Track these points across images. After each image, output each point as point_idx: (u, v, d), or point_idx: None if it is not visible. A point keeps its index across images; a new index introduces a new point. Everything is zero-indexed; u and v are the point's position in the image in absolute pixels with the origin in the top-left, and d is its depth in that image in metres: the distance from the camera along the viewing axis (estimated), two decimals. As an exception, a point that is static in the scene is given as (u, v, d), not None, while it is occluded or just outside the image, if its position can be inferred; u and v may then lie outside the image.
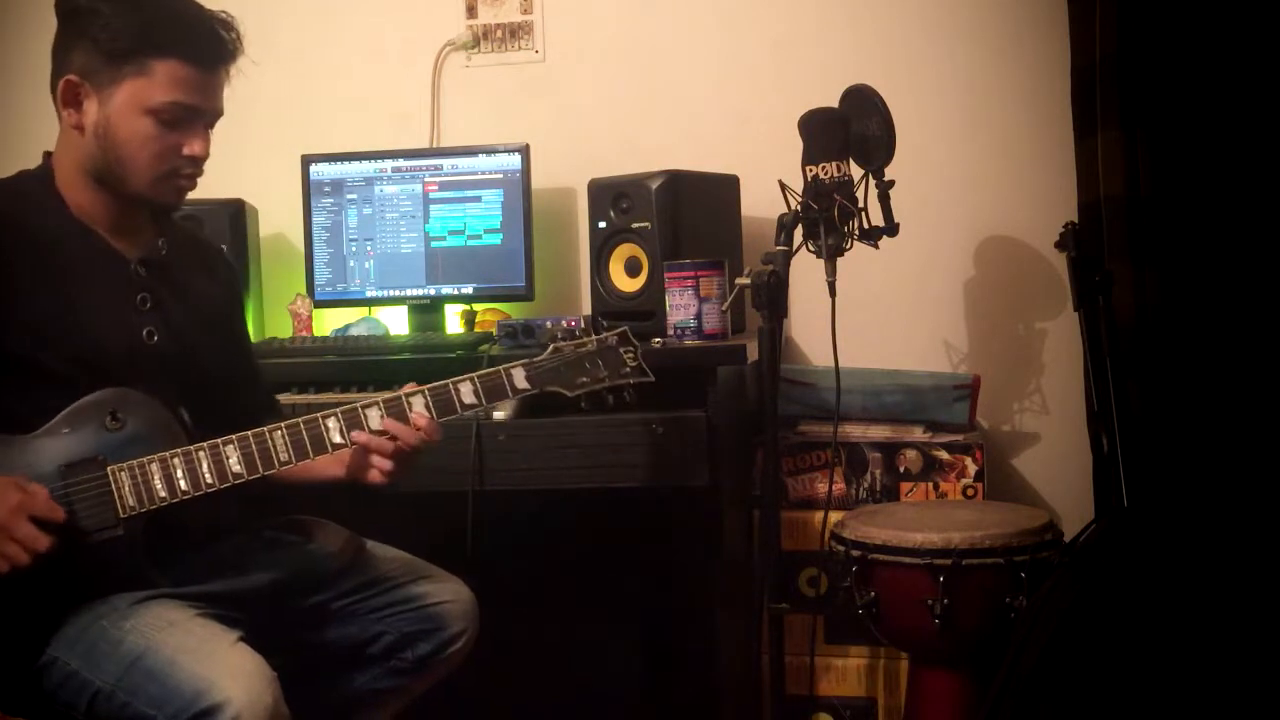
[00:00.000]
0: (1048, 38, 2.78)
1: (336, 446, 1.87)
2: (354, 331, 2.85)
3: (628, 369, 1.99)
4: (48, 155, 1.92)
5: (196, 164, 1.89)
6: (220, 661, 1.68)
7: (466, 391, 1.92)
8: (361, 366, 2.51)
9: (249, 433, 1.84)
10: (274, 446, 1.84)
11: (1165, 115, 2.44)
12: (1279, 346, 2.35)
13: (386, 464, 1.92)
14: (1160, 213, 2.46)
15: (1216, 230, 2.41)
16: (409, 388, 1.93)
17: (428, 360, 2.49)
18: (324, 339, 2.80)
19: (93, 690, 1.71)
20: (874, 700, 2.58)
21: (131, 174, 1.85)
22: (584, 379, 1.96)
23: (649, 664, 2.78)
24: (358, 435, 1.88)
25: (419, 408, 1.90)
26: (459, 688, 2.12)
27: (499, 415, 2.35)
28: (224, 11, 1.90)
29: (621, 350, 1.99)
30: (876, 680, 2.59)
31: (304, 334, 2.91)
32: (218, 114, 1.91)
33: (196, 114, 1.86)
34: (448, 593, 2.05)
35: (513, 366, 1.94)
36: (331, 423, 1.87)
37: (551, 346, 1.97)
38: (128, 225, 1.92)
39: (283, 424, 1.85)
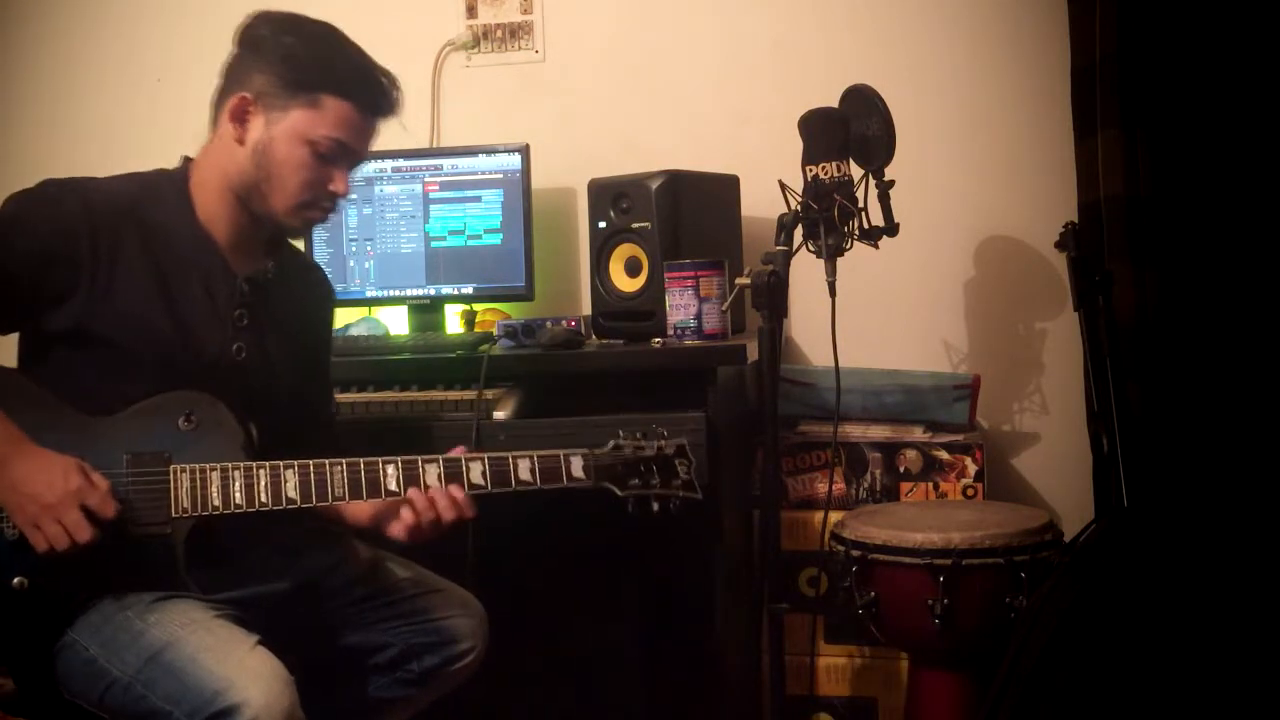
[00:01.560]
0: (1048, 38, 2.78)
1: (390, 493, 1.90)
2: (354, 331, 2.85)
3: (679, 482, 2.01)
4: (187, 160, 1.98)
5: (335, 200, 1.97)
6: (240, 663, 1.70)
7: (524, 469, 1.94)
8: (361, 366, 2.50)
9: (310, 462, 1.87)
10: (331, 480, 1.87)
11: (1165, 115, 2.44)
12: (1279, 346, 2.35)
13: (415, 522, 1.92)
14: (1160, 213, 2.46)
15: (1216, 230, 2.41)
16: (459, 450, 1.95)
17: (428, 360, 2.49)
18: (324, 339, 2.80)
19: (109, 679, 1.73)
20: (874, 700, 2.59)
21: (276, 195, 1.92)
22: (636, 481, 1.99)
23: (649, 664, 2.78)
24: (413, 492, 1.90)
25: (475, 475, 1.92)
26: (459, 688, 2.12)
27: (499, 415, 2.35)
28: (389, 71, 1.99)
29: (677, 462, 2.02)
30: (876, 680, 2.59)
31: (304, 334, 2.91)
32: (362, 161, 2.02)
33: (348, 154, 1.95)
34: (456, 607, 2.07)
35: (572, 454, 1.96)
36: (390, 469, 1.90)
37: (613, 443, 1.99)
38: (245, 243, 1.98)
39: (343, 460, 1.88)
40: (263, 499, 1.83)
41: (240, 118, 1.91)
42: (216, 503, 1.82)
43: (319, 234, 2.92)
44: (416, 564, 2.13)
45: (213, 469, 1.82)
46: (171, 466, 1.81)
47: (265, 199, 1.92)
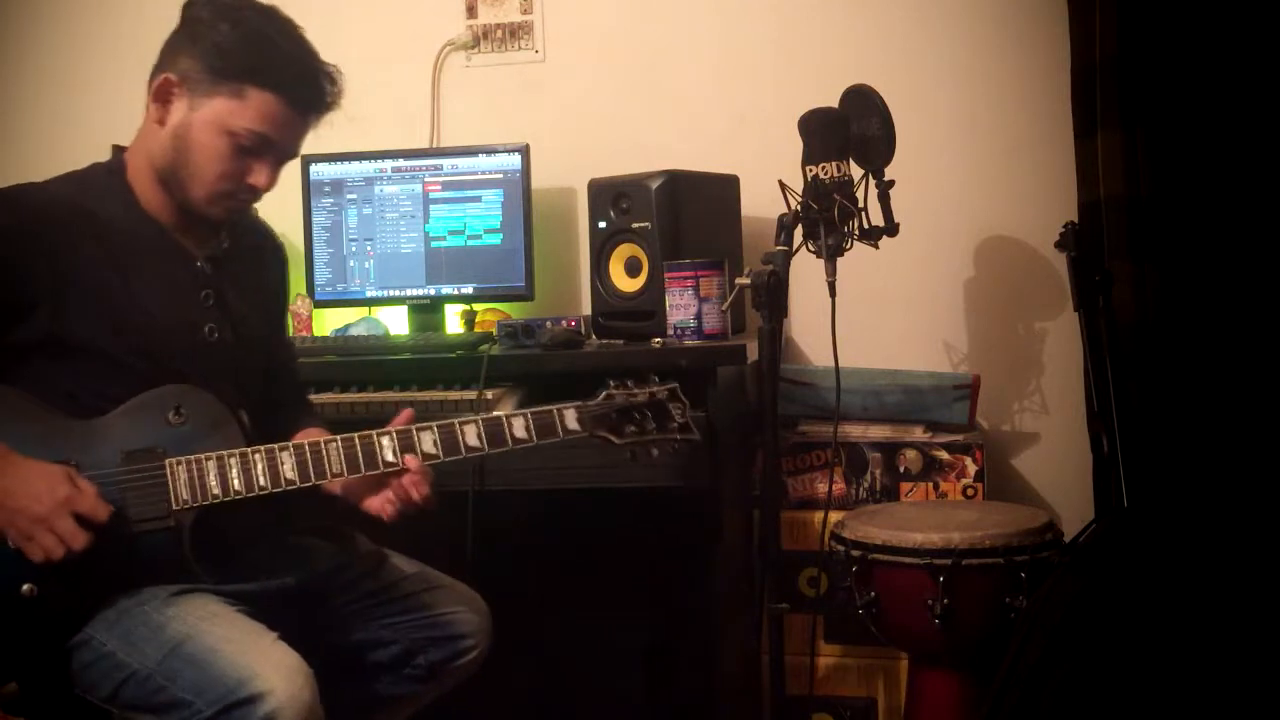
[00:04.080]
0: (1048, 38, 2.78)
1: (388, 465, 1.89)
2: (354, 331, 2.85)
3: (675, 425, 2.00)
4: (118, 149, 1.96)
5: (255, 193, 1.93)
6: (263, 654, 1.71)
7: (519, 426, 1.93)
8: (361, 366, 2.51)
9: (305, 442, 1.87)
10: (328, 458, 1.87)
11: (1165, 115, 2.44)
12: (1279, 346, 2.35)
13: (408, 496, 1.91)
14: (1160, 212, 2.46)
15: (1216, 230, 2.41)
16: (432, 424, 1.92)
17: (428, 360, 2.49)
18: (324, 339, 2.80)
19: (128, 672, 1.73)
20: (874, 700, 2.59)
21: (193, 182, 1.90)
22: (632, 429, 1.97)
23: (649, 664, 2.78)
24: (410, 459, 1.89)
25: (470, 438, 1.91)
26: (459, 687, 2.13)
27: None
28: (334, 65, 1.95)
29: (671, 406, 2.00)
30: (876, 680, 2.59)
31: (304, 334, 2.91)
32: (293, 155, 1.96)
33: (272, 148, 1.91)
34: (459, 603, 2.07)
35: (565, 408, 1.95)
36: (385, 440, 1.89)
37: (604, 393, 1.98)
38: (194, 223, 1.96)
39: (338, 437, 1.88)
40: (261, 483, 1.83)
41: (163, 98, 1.88)
42: (216, 491, 1.82)
43: (319, 234, 2.93)
44: (419, 560, 2.13)
45: (208, 458, 1.82)
46: (167, 460, 1.81)
47: (183, 185, 1.89)
